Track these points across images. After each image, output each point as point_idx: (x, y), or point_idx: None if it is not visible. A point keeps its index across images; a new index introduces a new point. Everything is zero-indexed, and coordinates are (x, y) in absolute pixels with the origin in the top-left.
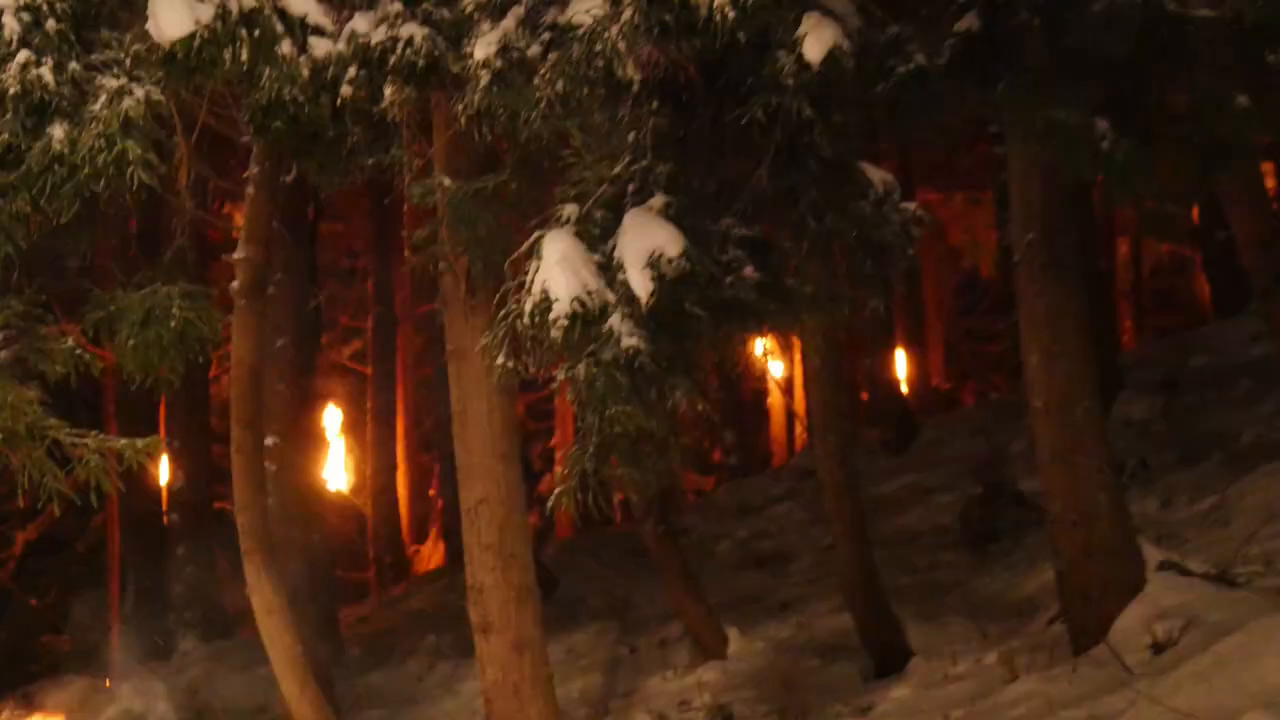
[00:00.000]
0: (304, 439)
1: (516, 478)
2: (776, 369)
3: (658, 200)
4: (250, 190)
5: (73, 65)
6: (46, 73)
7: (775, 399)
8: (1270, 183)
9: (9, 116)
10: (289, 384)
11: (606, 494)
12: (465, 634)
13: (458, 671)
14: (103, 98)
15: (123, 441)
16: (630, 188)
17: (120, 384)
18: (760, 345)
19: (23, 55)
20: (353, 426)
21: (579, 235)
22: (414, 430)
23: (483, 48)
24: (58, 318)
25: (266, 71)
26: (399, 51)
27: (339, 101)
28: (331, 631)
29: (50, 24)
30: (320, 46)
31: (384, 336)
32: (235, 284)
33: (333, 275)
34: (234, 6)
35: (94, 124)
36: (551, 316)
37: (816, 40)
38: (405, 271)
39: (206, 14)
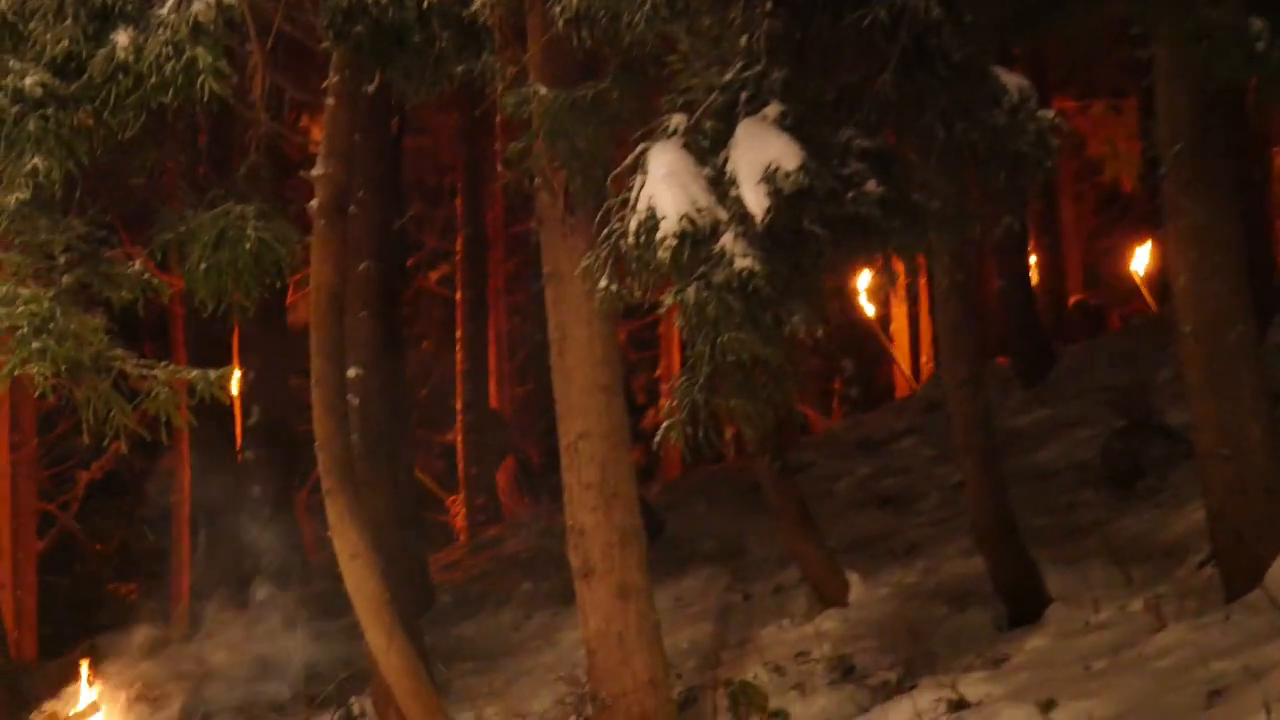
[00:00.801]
0: (389, 370)
1: (619, 411)
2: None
3: (773, 109)
4: (329, 101)
5: None
6: None
7: (900, 325)
8: None
9: (69, 22)
10: (372, 311)
11: (717, 428)
12: (564, 580)
13: (556, 620)
14: (170, 1)
15: (194, 372)
16: (742, 96)
17: (190, 311)
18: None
19: None
20: (441, 357)
21: (687, 148)
22: (507, 361)
23: None
24: (123, 240)
25: None
26: None
27: (425, 3)
28: (420, 578)
29: None
30: None
31: (474, 259)
32: (314, 203)
33: (419, 193)
34: None
35: (161, 29)
36: (658, 236)
37: None
38: (497, 189)
39: None
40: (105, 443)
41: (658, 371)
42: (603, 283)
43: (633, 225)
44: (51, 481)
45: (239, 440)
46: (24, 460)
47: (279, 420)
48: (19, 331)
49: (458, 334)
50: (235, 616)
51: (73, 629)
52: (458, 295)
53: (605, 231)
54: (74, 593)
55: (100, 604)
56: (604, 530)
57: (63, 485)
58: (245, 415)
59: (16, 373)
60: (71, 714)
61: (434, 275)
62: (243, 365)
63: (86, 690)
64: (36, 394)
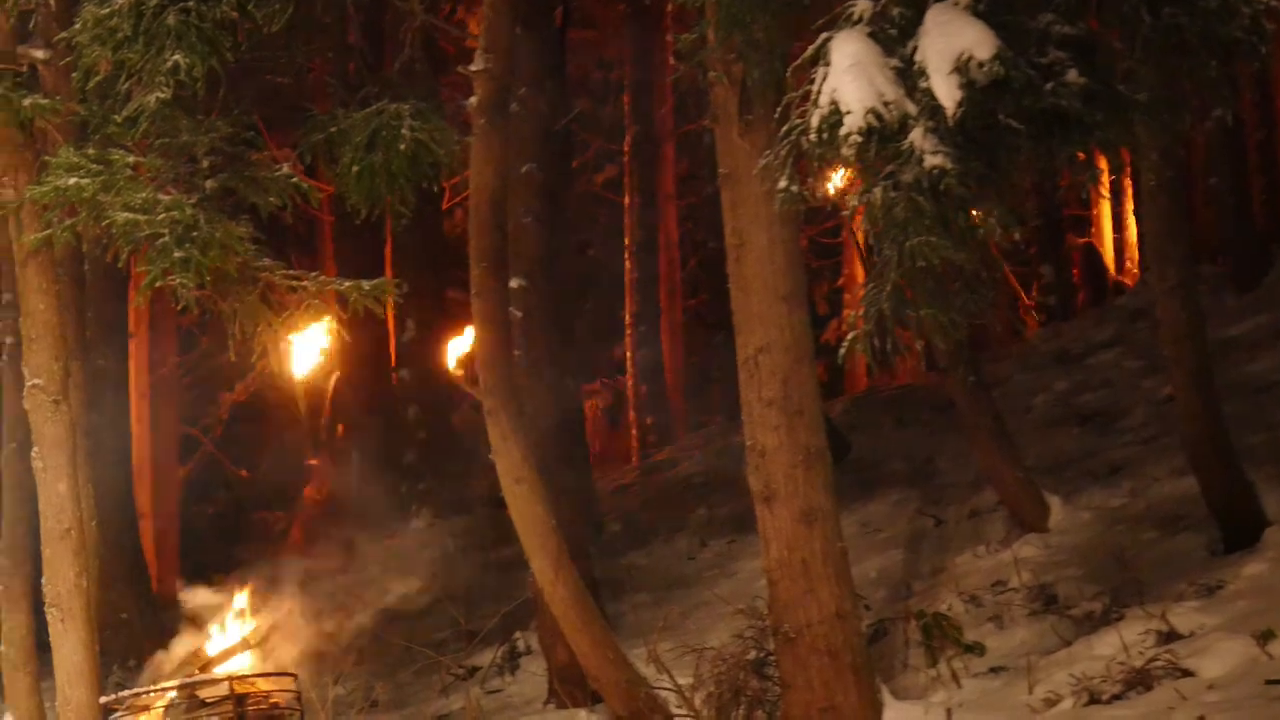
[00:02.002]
0: (554, 280)
1: (802, 322)
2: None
3: None
4: None
5: None
6: None
7: (1102, 227)
8: None
9: None
10: (536, 216)
11: (906, 340)
12: (742, 505)
13: (733, 549)
14: None
15: (347, 284)
16: None
17: (341, 218)
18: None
19: None
20: (604, 264)
21: (873, 36)
22: (679, 270)
23: None
24: (269, 143)
25: None
26: None
27: None
28: (588, 504)
29: None
30: None
31: (643, 160)
32: (473, 100)
33: (584, 90)
34: None
35: None
36: (842, 132)
37: None
38: (667, 84)
39: None
40: (252, 360)
41: (841, 280)
42: (783, 183)
43: (815, 121)
44: (193, 403)
45: (393, 358)
46: (164, 380)
47: (435, 336)
48: (160, 240)
49: (626, 241)
50: (392, 545)
51: (218, 560)
52: (625, 199)
53: (785, 128)
54: (218, 521)
55: (246, 533)
56: (786, 451)
57: (205, 407)
58: (399, 330)
59: (158, 284)
60: (219, 651)
61: (600, 178)
62: (397, 276)
63: (234, 625)
64: (179, 308)
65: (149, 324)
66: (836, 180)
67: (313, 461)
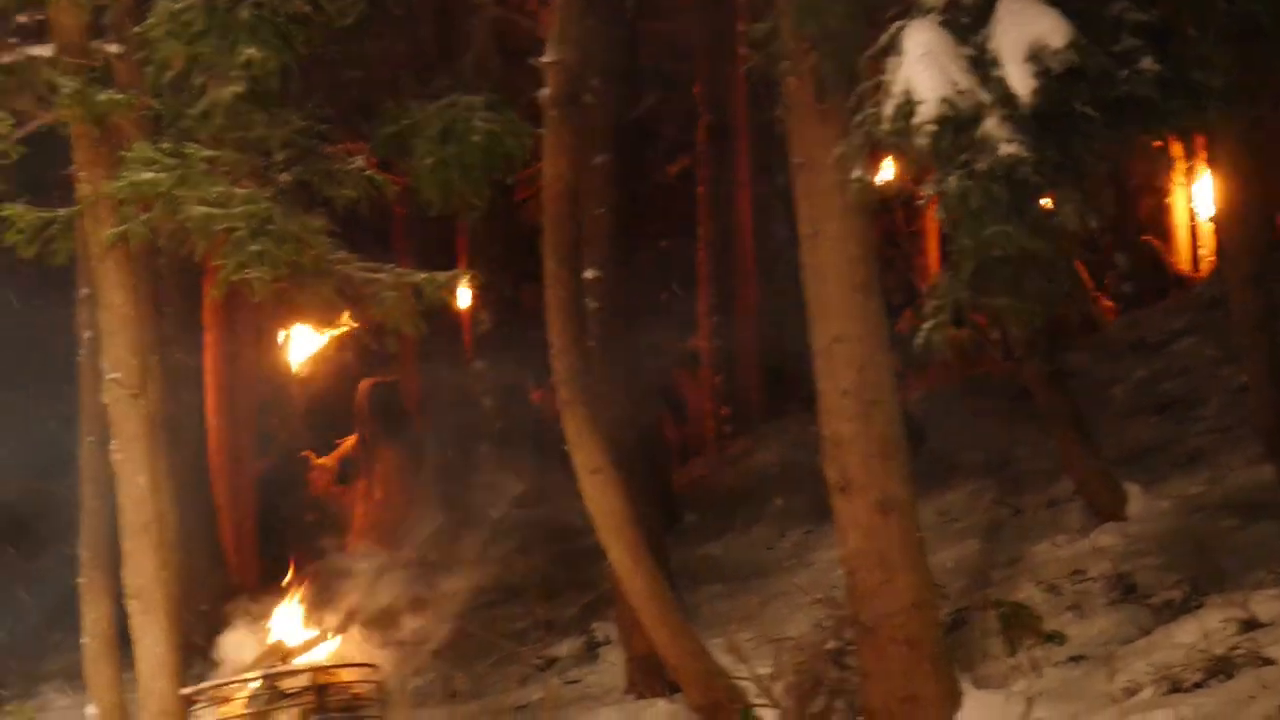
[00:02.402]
0: (628, 271)
1: (877, 311)
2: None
3: None
4: None
5: None
6: None
7: (1178, 216)
8: None
9: None
10: (608, 208)
11: (983, 329)
12: (819, 495)
13: (810, 539)
14: None
15: (421, 276)
16: None
17: (414, 210)
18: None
19: None
20: (678, 255)
21: (945, 25)
22: (752, 259)
23: None
24: (342, 136)
25: None
26: None
27: None
28: (665, 494)
29: None
30: None
31: (716, 151)
32: (545, 92)
33: (656, 81)
34: None
35: None
36: (916, 121)
37: None
38: (740, 74)
39: None
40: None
41: (914, 270)
42: (856, 173)
43: (888, 110)
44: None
45: (468, 349)
46: (240, 374)
47: (509, 327)
48: (236, 234)
49: (699, 231)
50: (469, 537)
51: (295, 552)
52: (699, 189)
53: (859, 118)
54: (295, 514)
55: (323, 526)
56: (863, 440)
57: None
58: (474, 323)
59: (234, 278)
60: (298, 644)
61: (673, 168)
62: (471, 268)
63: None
64: (255, 300)
65: (225, 317)
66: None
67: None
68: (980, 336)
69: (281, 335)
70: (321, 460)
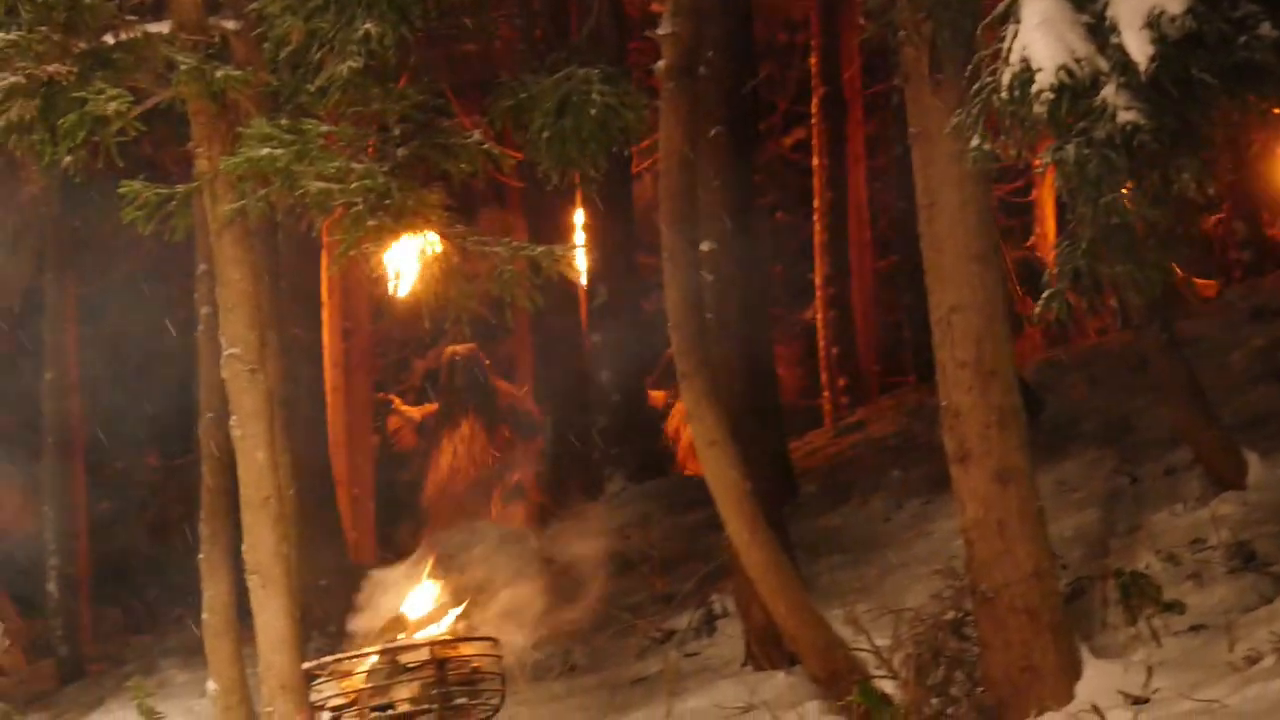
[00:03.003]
0: (744, 243)
1: (995, 281)
2: None
3: None
4: None
5: None
6: None
7: None
8: None
9: None
10: (724, 180)
11: (1101, 297)
12: (937, 465)
13: (929, 509)
14: None
15: (538, 249)
16: None
17: (530, 184)
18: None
19: None
20: (796, 228)
21: None
22: (868, 230)
23: None
24: (457, 110)
25: None
26: None
27: None
28: (782, 467)
29: None
30: None
31: (831, 122)
32: (661, 64)
33: (770, 52)
34: None
35: None
36: (1034, 89)
37: None
38: (855, 44)
39: None
40: (445, 326)
41: (1030, 240)
42: (974, 142)
43: (1006, 79)
44: (387, 371)
45: (584, 323)
46: (358, 349)
47: (627, 300)
48: (353, 208)
49: (815, 203)
50: (585, 510)
51: (413, 526)
52: (814, 161)
53: (976, 87)
54: (413, 488)
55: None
56: (981, 411)
57: (399, 374)
58: (591, 296)
59: (352, 252)
60: (418, 618)
61: (788, 140)
62: (587, 241)
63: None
64: (372, 275)
65: (342, 292)
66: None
67: None
68: (1098, 304)
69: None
70: (405, 408)
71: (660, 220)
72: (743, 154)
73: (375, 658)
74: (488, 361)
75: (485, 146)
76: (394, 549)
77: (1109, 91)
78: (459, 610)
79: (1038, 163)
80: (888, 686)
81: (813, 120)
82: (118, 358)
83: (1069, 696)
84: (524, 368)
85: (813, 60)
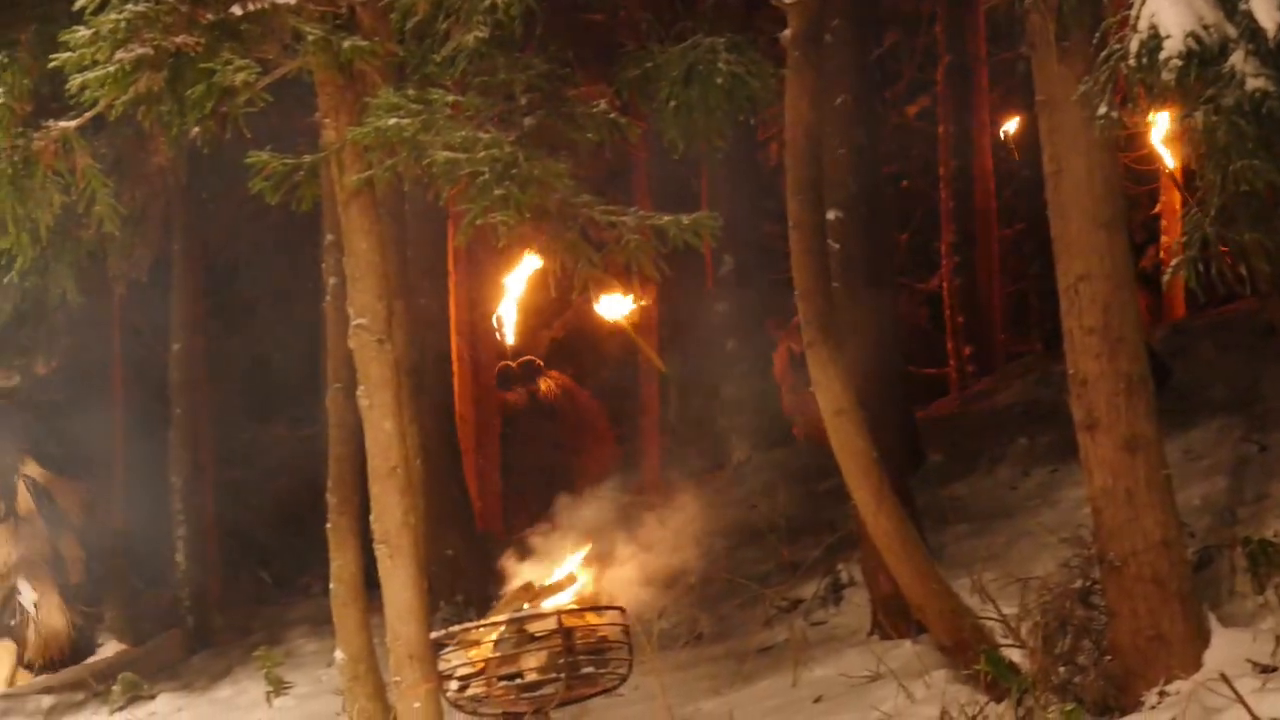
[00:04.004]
0: (871, 212)
1: (1123, 249)
2: None
3: None
4: None
5: None
6: None
7: None
8: None
9: None
10: (851, 148)
11: (1230, 264)
12: (1064, 433)
13: (1056, 478)
14: None
15: (665, 219)
16: None
17: (656, 154)
18: None
19: None
20: (918, 195)
21: None
22: (994, 199)
23: None
24: (583, 80)
25: None
26: None
27: None
28: (908, 435)
29: None
30: None
31: (956, 90)
32: (787, 32)
33: (895, 20)
34: None
35: None
36: (1162, 56)
37: None
38: (980, 12)
39: None
40: (572, 296)
41: (1157, 207)
42: (1101, 109)
43: (1133, 46)
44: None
45: (710, 292)
46: (483, 318)
47: (751, 270)
48: (480, 178)
49: (940, 171)
50: (711, 480)
51: (540, 496)
52: (939, 129)
53: (1104, 54)
54: (539, 458)
55: (566, 469)
56: (1108, 379)
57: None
58: (716, 265)
59: (479, 222)
60: (545, 584)
61: (913, 109)
62: (712, 210)
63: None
64: (499, 245)
65: (467, 261)
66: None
67: None
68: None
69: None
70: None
71: (786, 189)
72: (868, 122)
73: (503, 627)
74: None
75: (611, 116)
76: (520, 518)
77: (1237, 58)
78: (586, 579)
79: (1166, 131)
80: (1015, 655)
81: (938, 88)
82: (244, 329)
83: (1197, 665)
84: (649, 337)
85: (938, 28)
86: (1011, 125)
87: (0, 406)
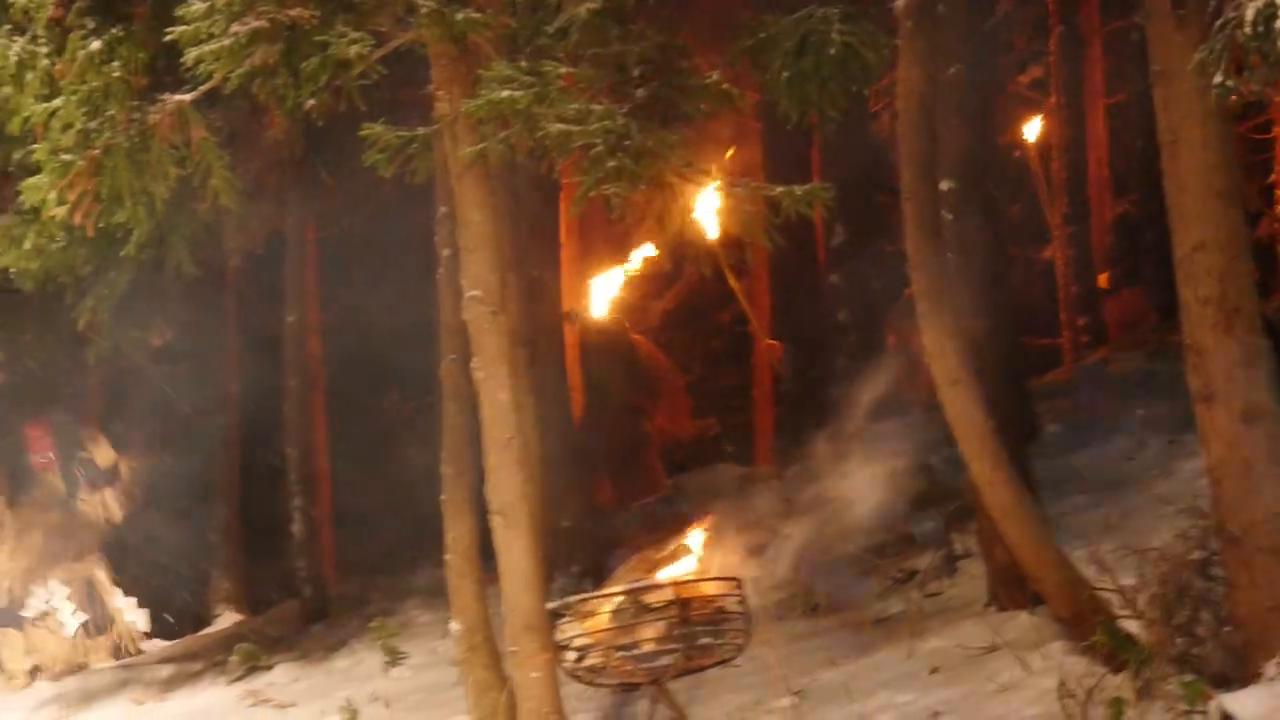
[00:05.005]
0: (984, 182)
1: (1238, 219)
2: None
3: None
4: None
5: None
6: None
7: None
8: None
9: None
10: (963, 118)
11: None
12: (1181, 404)
13: (1173, 449)
14: None
15: (779, 189)
16: None
17: (767, 124)
18: None
19: None
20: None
21: None
22: (1106, 169)
23: None
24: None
25: None
26: None
27: None
28: (1024, 406)
29: None
30: None
31: (1069, 59)
32: (899, 3)
33: None
34: None
35: None
36: (1278, 25)
37: None
38: None
39: None
40: (684, 266)
41: (1273, 176)
42: (1218, 79)
43: (1249, 14)
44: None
45: (822, 263)
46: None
47: (865, 240)
48: (593, 150)
49: (1052, 141)
50: (825, 452)
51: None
52: (1051, 99)
53: (1220, 22)
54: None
55: (679, 440)
56: (1225, 349)
57: (637, 315)
58: (828, 235)
59: (592, 193)
60: (662, 555)
61: (1024, 79)
62: (824, 181)
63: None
64: (613, 216)
65: (580, 233)
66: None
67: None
68: None
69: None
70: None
71: (899, 159)
72: (982, 92)
73: (620, 598)
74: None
75: (724, 87)
76: (634, 489)
77: None
78: (701, 550)
79: None
80: (1132, 627)
81: (1050, 58)
82: (357, 301)
83: None
84: (761, 308)
85: None
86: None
87: (109, 380)
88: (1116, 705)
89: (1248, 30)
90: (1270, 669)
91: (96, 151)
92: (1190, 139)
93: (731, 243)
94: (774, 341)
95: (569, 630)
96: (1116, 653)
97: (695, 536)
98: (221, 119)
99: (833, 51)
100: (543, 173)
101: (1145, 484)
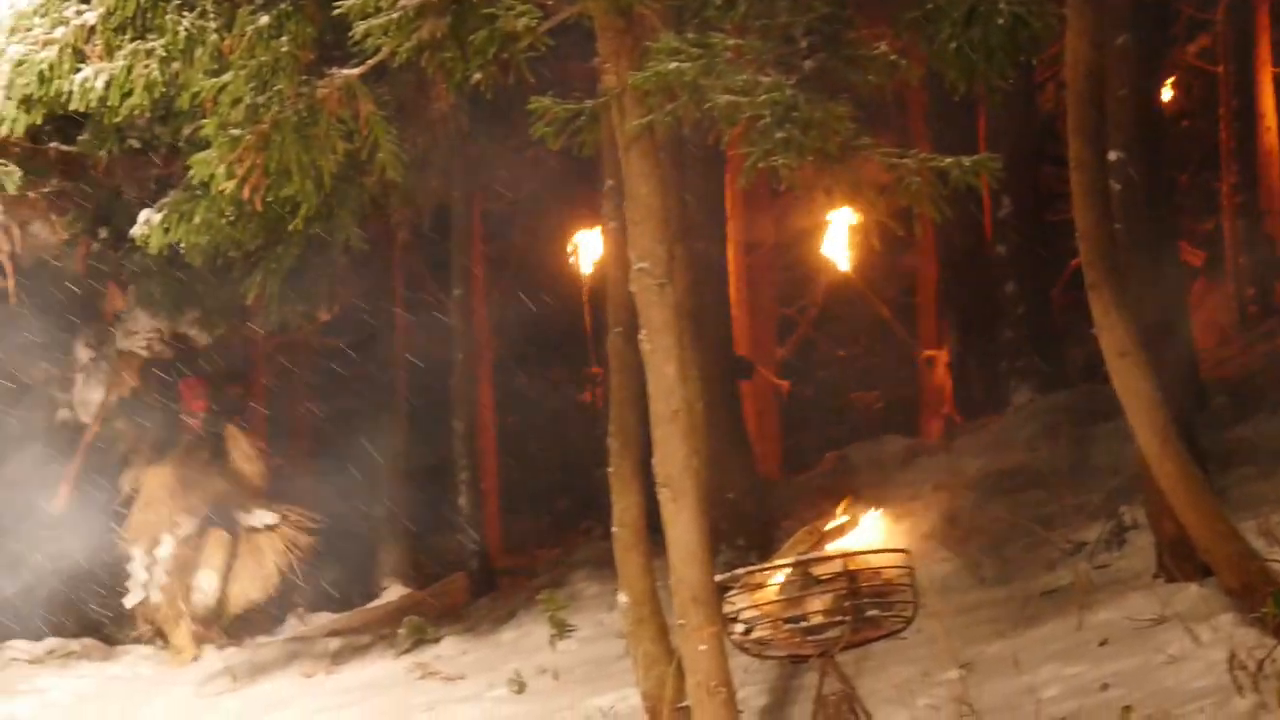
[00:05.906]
0: (1152, 152)
1: None
2: None
3: None
4: None
5: None
6: None
7: None
8: None
9: None
10: (1131, 88)
11: None
12: None
13: None
14: None
15: (947, 161)
16: None
17: (936, 95)
18: None
19: None
20: (1202, 135)
21: None
22: (1276, 136)
23: None
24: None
25: None
26: None
27: None
28: (1192, 377)
29: None
30: None
31: (1237, 28)
32: None
33: None
34: None
35: None
36: None
37: None
38: None
39: None
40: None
41: None
42: None
43: None
44: (788, 285)
45: (989, 234)
46: (761, 262)
47: (1032, 211)
48: (761, 122)
49: (1220, 110)
50: (991, 423)
51: (817, 441)
52: (1219, 68)
53: None
54: (815, 402)
55: (843, 414)
56: None
57: (801, 289)
58: (995, 207)
59: (760, 166)
60: (829, 528)
61: (1192, 48)
62: (991, 152)
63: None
64: (780, 189)
65: (745, 205)
66: None
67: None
68: None
69: None
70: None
71: (1067, 130)
72: (1149, 61)
73: (788, 570)
74: None
75: (892, 58)
76: (800, 462)
77: None
78: (869, 522)
79: None
80: None
81: (1218, 27)
82: (522, 275)
83: None
84: (927, 281)
85: None
86: None
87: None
88: None
89: None
90: None
91: (265, 126)
92: None
93: (898, 214)
94: (933, 353)
95: (737, 602)
96: None
97: (862, 508)
98: (389, 93)
99: (1001, 21)
100: (709, 145)
101: None
